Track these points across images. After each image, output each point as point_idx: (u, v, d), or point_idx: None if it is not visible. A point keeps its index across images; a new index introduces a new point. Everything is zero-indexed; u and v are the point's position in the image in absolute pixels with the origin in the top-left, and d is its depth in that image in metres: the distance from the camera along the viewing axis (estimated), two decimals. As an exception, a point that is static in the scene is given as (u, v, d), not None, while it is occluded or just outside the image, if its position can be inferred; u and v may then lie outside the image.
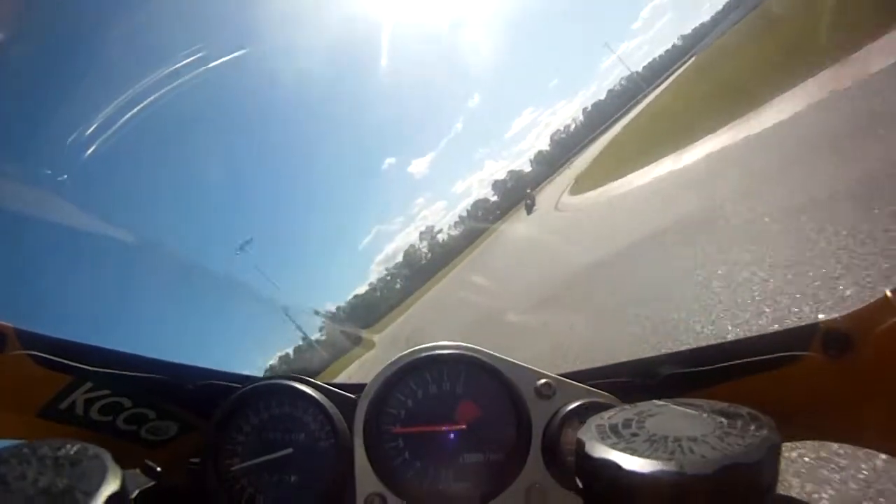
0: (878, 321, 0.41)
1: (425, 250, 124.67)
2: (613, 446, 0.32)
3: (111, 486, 0.29)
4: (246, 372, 0.59)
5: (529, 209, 31.23)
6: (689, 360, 0.51)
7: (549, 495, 0.50)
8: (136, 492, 0.51)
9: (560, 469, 0.50)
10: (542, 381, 0.53)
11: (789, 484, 1.58)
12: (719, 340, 0.53)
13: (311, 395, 0.56)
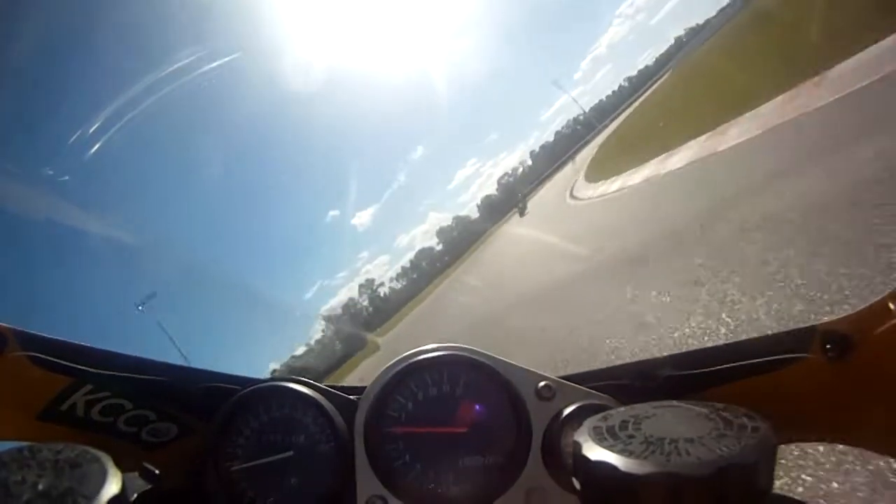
0: (877, 323, 0.41)
1: (366, 303, 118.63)
2: (610, 448, 0.32)
3: (111, 489, 0.30)
4: (247, 374, 0.59)
5: (522, 212, 35.49)
6: (689, 362, 0.51)
7: (550, 497, 0.50)
8: (136, 494, 0.51)
9: (560, 471, 0.50)
10: (543, 383, 0.53)
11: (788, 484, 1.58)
12: (719, 343, 0.52)
13: (311, 398, 0.56)
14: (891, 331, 0.40)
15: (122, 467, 0.33)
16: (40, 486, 0.29)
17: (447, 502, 0.51)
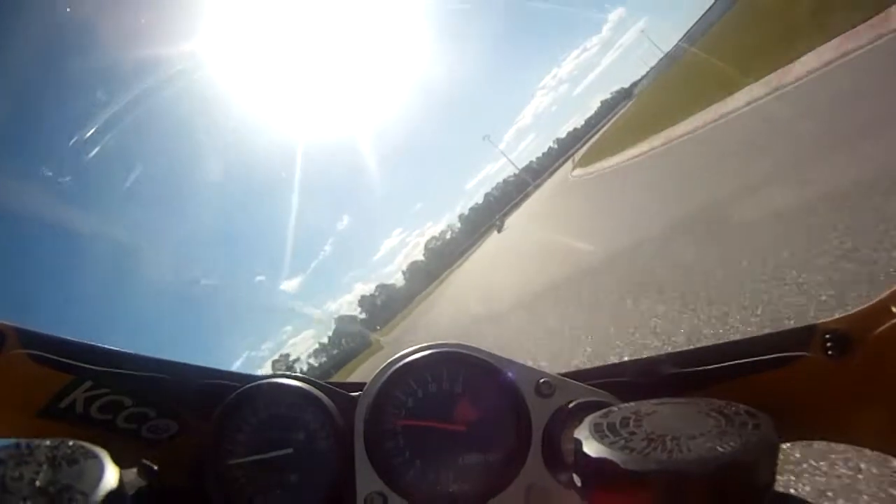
0: (877, 322, 0.41)
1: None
2: (611, 445, 0.32)
3: (108, 485, 0.30)
4: (247, 371, 0.59)
5: (499, 229, 40.48)
6: (689, 360, 0.51)
7: (550, 494, 0.50)
8: (134, 490, 0.51)
9: (560, 467, 0.50)
10: (543, 379, 0.53)
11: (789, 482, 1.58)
12: (719, 341, 0.52)
13: (311, 394, 0.56)
14: (891, 331, 0.40)
15: (122, 464, 0.33)
16: (38, 483, 0.29)
17: (447, 499, 0.51)
